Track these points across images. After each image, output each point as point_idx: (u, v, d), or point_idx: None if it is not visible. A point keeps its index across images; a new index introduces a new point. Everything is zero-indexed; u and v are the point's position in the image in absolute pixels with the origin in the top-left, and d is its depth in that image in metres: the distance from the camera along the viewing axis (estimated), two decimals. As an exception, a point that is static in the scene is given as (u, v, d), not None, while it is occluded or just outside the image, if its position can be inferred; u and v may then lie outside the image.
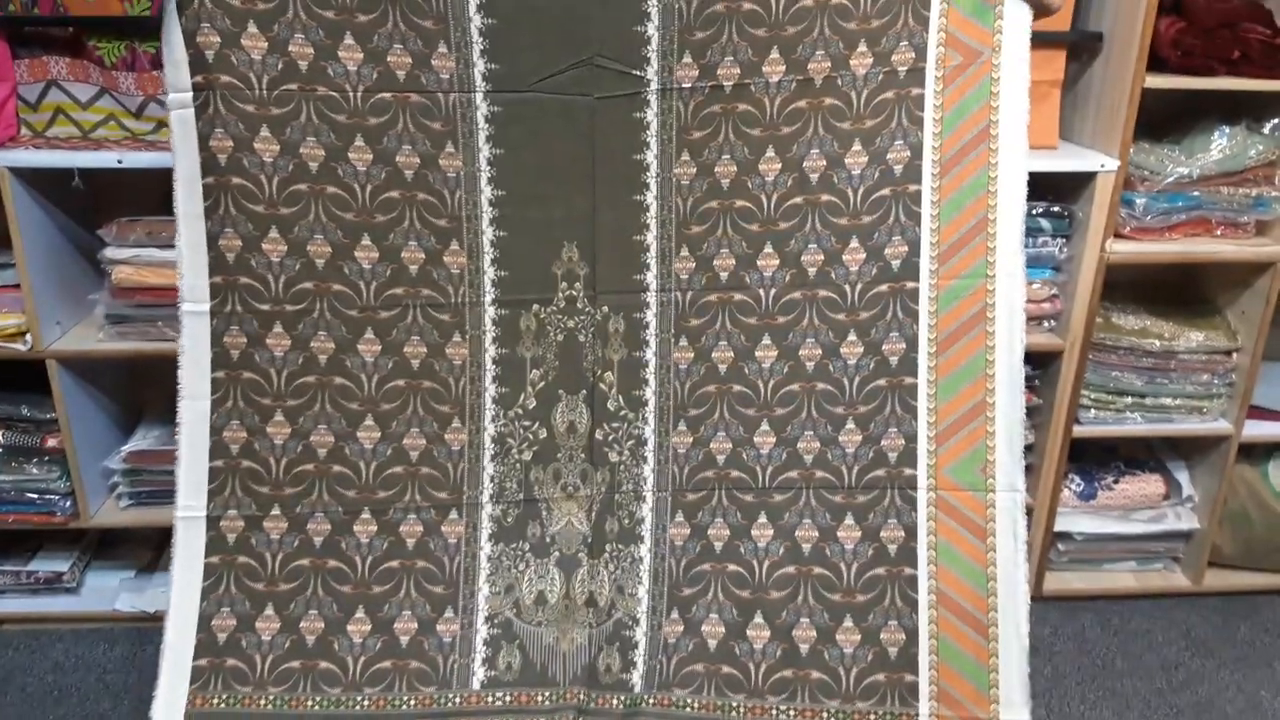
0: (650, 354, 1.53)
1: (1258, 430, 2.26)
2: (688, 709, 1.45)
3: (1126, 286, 2.30)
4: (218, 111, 1.41)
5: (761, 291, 1.51)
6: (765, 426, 1.52)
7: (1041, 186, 2.06)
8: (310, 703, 1.46)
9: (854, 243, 1.48)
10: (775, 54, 1.45)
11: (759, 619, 1.48)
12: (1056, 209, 2.06)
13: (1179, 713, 2.04)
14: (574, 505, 1.53)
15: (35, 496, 2.09)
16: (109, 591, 2.21)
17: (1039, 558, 2.32)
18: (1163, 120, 2.12)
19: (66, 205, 2.00)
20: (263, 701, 1.46)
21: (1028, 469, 2.27)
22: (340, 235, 1.47)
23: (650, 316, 1.52)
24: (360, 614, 1.49)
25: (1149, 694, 2.09)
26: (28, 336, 1.98)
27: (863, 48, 1.45)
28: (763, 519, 1.52)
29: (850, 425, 1.50)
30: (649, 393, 1.54)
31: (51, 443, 2.06)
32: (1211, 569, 2.38)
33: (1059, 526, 2.31)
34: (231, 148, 1.42)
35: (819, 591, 1.48)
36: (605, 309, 1.52)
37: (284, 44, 1.41)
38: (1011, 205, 1.46)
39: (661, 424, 1.53)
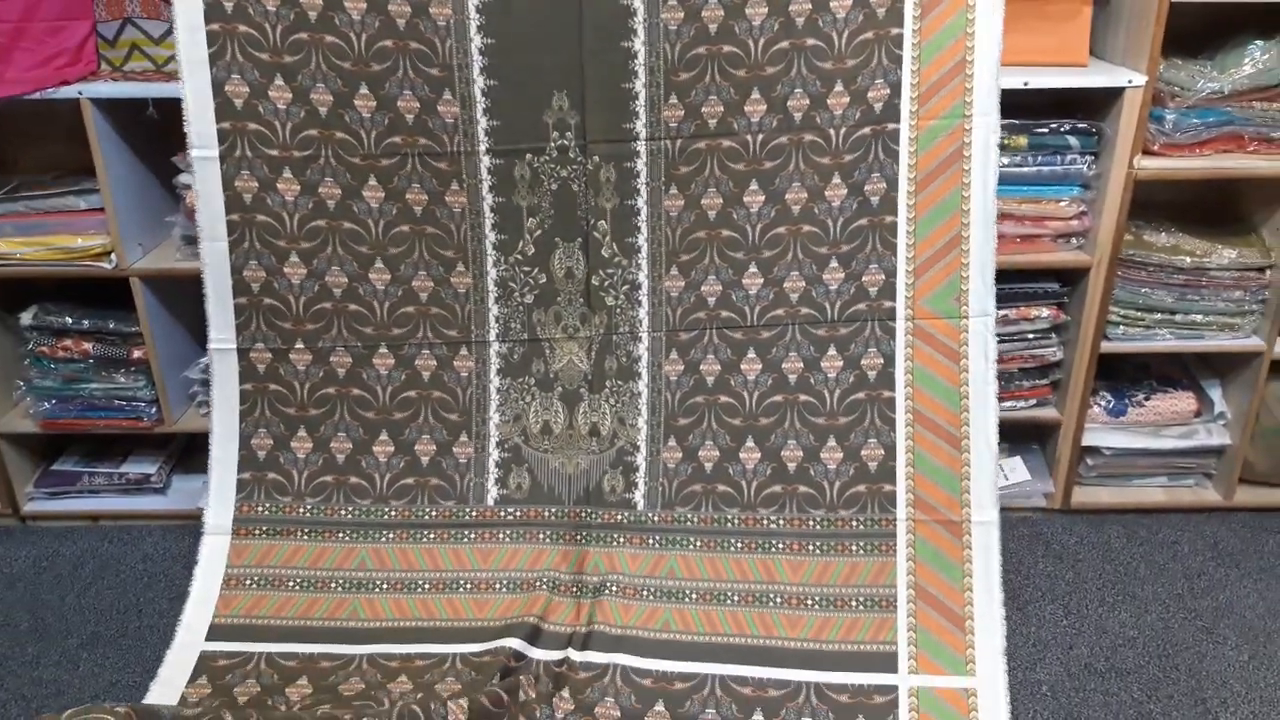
0: (642, 202, 1.61)
1: (1291, 347, 2.27)
2: (688, 523, 1.60)
3: (1162, 206, 2.32)
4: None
5: (749, 137, 1.57)
6: (753, 269, 1.60)
7: (1071, 104, 2.10)
8: (344, 512, 1.65)
9: (838, 86, 1.54)
10: None
11: (750, 443, 1.61)
12: (1084, 125, 2.08)
13: (1197, 615, 2.11)
14: (574, 345, 1.64)
15: (124, 403, 2.30)
16: (193, 492, 2.41)
17: (1067, 471, 2.38)
18: (1197, 37, 2.12)
19: (143, 134, 2.16)
20: (301, 510, 1.65)
21: (1057, 384, 2.34)
22: (340, 84, 1.57)
23: (640, 165, 1.59)
24: (384, 437, 1.65)
25: (1169, 598, 2.16)
26: (112, 256, 2.16)
27: None
28: (751, 354, 1.62)
29: (834, 264, 1.58)
30: (641, 240, 1.62)
31: (137, 354, 2.25)
32: (1243, 485, 2.42)
33: (1088, 441, 2.37)
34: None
35: (805, 416, 1.60)
36: (596, 158, 1.59)
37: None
38: (988, 47, 1.51)
39: (654, 269, 1.62)
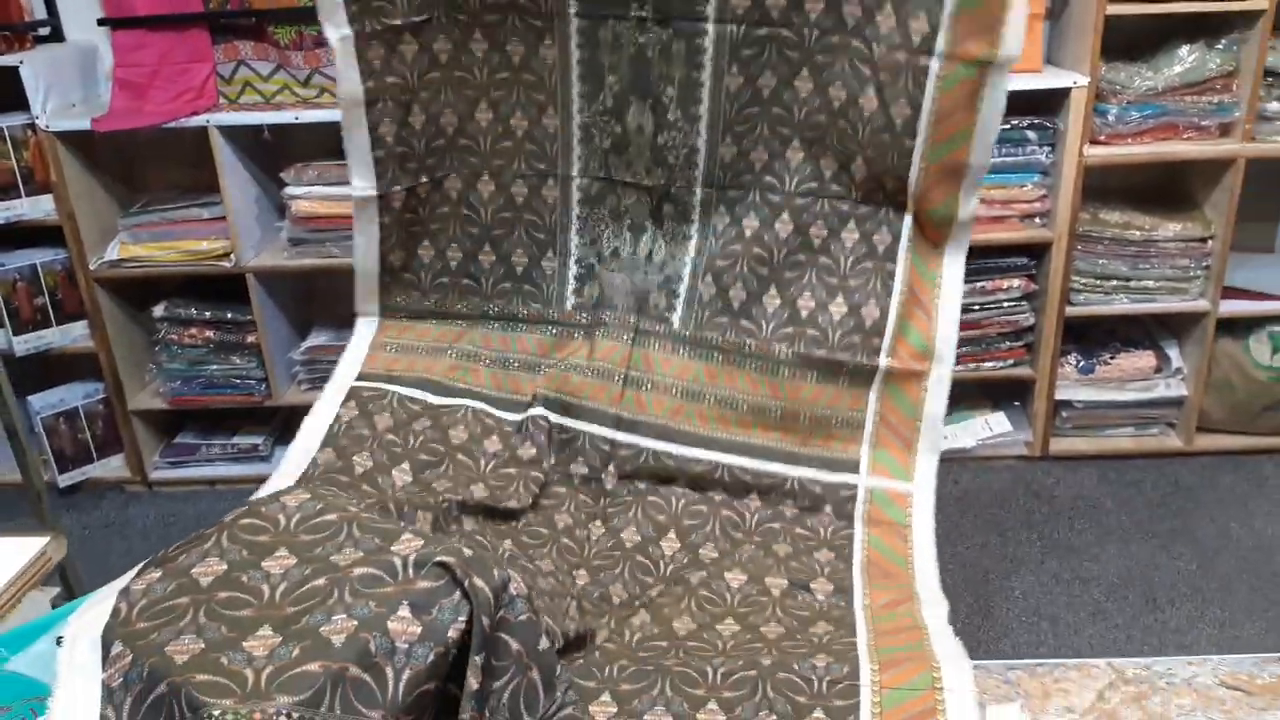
0: (706, 75, 1.87)
1: (1234, 308, 2.62)
2: (713, 342, 1.90)
3: (1118, 190, 2.69)
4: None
5: (806, 31, 1.82)
6: (796, 143, 1.88)
7: (1028, 103, 2.48)
8: (458, 306, 2.02)
9: (888, 7, 1.73)
10: None
11: (772, 291, 1.90)
12: (1039, 121, 2.47)
13: (1154, 536, 2.46)
14: (641, 189, 1.95)
15: (238, 381, 2.73)
16: (293, 458, 2.84)
17: (1044, 423, 2.74)
18: (1136, 44, 2.51)
19: (257, 155, 2.61)
20: (426, 303, 2.02)
21: (1031, 346, 2.71)
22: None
23: (708, 43, 1.85)
24: (487, 249, 2.01)
25: (1131, 525, 2.51)
26: (231, 257, 2.59)
27: None
28: (785, 217, 1.89)
29: (859, 160, 1.83)
30: (703, 109, 1.88)
31: (250, 340, 2.68)
32: (1202, 433, 2.76)
33: (1062, 396, 2.73)
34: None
35: (821, 275, 1.89)
36: (670, 31, 1.87)
37: None
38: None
39: (712, 136, 1.89)
